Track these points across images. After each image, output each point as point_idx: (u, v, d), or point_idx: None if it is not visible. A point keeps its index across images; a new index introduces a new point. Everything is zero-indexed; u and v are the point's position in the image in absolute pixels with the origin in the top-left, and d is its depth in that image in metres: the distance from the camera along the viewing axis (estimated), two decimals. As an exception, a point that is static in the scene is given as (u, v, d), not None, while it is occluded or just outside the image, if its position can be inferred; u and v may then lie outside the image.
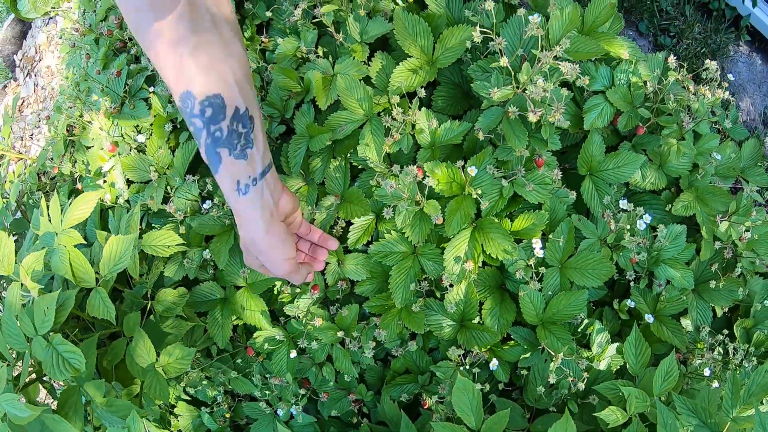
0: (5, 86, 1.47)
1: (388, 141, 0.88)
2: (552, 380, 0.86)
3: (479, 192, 0.84)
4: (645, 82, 0.94)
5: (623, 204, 0.87)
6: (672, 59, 0.92)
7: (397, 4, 0.97)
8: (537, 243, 0.89)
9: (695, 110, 0.91)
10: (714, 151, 1.03)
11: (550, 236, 0.91)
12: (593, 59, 0.95)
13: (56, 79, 1.35)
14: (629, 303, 0.99)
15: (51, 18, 1.39)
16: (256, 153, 0.60)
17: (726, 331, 1.01)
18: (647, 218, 0.86)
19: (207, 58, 0.54)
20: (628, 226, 0.86)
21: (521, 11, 0.88)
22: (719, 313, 1.11)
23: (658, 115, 0.95)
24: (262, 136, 0.61)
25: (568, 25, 0.91)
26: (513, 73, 0.79)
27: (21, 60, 1.45)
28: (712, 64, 0.91)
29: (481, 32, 0.77)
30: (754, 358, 1.04)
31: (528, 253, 0.91)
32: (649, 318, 1.00)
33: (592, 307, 1.06)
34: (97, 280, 0.93)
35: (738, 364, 1.01)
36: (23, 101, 1.39)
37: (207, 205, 0.97)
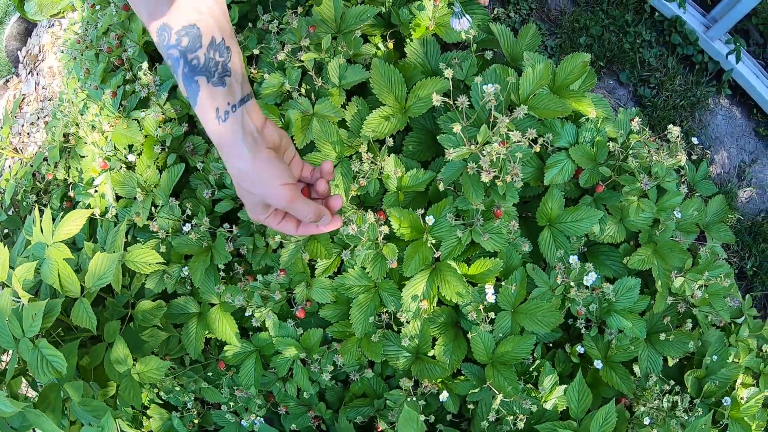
0: (7, 81, 1.59)
1: (355, 187, 0.98)
2: (492, 417, 0.97)
3: (433, 241, 0.94)
4: (610, 141, 1.03)
5: (572, 260, 0.97)
6: (636, 121, 1.00)
7: (378, 49, 1.07)
8: (489, 289, 0.99)
9: (654, 173, 0.99)
10: (676, 208, 1.11)
11: (503, 283, 1.01)
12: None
13: (57, 80, 1.46)
14: (579, 349, 1.09)
15: (56, 19, 1.51)
16: (235, 81, 0.61)
17: (672, 382, 1.11)
18: (592, 276, 0.95)
19: None
20: (573, 283, 0.96)
21: (491, 70, 0.98)
22: (673, 361, 1.21)
23: (620, 173, 1.04)
24: (241, 66, 0.62)
25: (538, 82, 1.00)
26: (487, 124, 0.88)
27: (24, 57, 1.57)
28: (674, 129, 0.99)
29: (453, 84, 0.87)
30: (699, 409, 1.13)
31: (481, 297, 1.01)
32: (598, 364, 1.10)
33: (546, 347, 1.16)
34: (82, 289, 1.06)
35: (683, 413, 1.11)
36: (24, 98, 1.52)
37: (187, 228, 1.08)
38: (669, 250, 1.10)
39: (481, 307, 0.99)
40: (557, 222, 1.04)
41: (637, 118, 0.99)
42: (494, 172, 0.86)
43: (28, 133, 1.48)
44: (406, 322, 1.02)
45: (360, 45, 1.02)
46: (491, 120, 0.87)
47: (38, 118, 1.32)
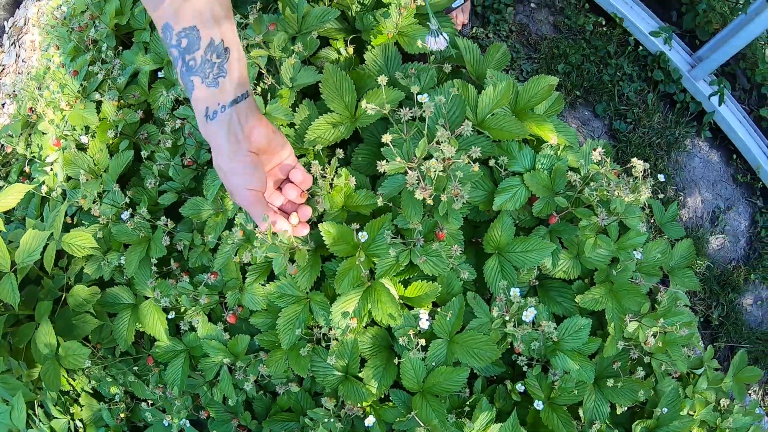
0: (-10, 51, 1.49)
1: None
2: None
3: (361, 259, 0.81)
4: (570, 170, 0.89)
5: (513, 292, 0.82)
6: (598, 152, 0.86)
7: (339, 54, 0.94)
8: (424, 314, 0.85)
9: (613, 209, 0.85)
10: (638, 249, 0.97)
11: (439, 309, 0.87)
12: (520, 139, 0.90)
13: (36, 54, 1.37)
14: (519, 387, 0.94)
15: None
16: (229, 82, 0.61)
17: (617, 433, 0.95)
18: (532, 312, 0.81)
19: None
20: (509, 317, 0.81)
21: (448, 85, 0.85)
22: (622, 409, 1.05)
23: (578, 205, 0.89)
24: (239, 67, 0.62)
25: (498, 101, 0.86)
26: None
27: (10, 28, 1.47)
28: (638, 164, 0.84)
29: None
30: (643, 463, 0.98)
31: (415, 322, 0.87)
32: (538, 405, 0.95)
33: (489, 381, 1.01)
34: (12, 264, 0.94)
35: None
36: (3, 69, 1.42)
37: (125, 216, 0.96)
38: (625, 292, 0.96)
39: (411, 332, 0.85)
40: (506, 251, 0.90)
41: (600, 149, 0.85)
42: (430, 189, 0.72)
43: (3, 104, 1.38)
44: (335, 339, 0.89)
45: (315, 46, 0.89)
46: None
47: (13, 90, 1.22)
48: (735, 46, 1.17)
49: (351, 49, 0.94)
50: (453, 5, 1.16)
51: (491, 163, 0.85)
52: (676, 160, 1.24)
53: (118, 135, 1.04)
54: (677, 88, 1.25)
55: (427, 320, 0.86)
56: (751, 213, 1.33)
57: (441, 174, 0.74)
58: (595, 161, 0.84)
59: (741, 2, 1.22)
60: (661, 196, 1.11)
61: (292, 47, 0.90)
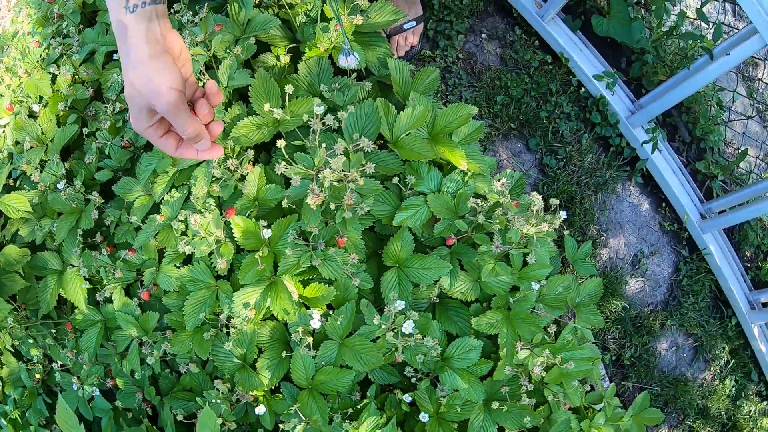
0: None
1: (216, 187, 0.90)
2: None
3: (260, 254, 0.86)
4: (477, 197, 0.94)
5: (398, 304, 0.87)
6: (501, 183, 0.90)
7: (278, 60, 1.00)
8: (317, 314, 0.90)
9: (507, 238, 0.89)
10: (538, 281, 1.01)
11: (332, 312, 0.91)
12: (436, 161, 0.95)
13: (9, 16, 1.41)
14: (405, 398, 0.99)
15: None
16: None
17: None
18: (410, 325, 0.85)
19: None
20: (391, 327, 0.86)
21: (369, 102, 0.90)
22: None
23: (479, 230, 0.94)
24: None
25: (414, 123, 0.91)
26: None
27: None
28: (536, 197, 0.89)
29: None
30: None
31: (308, 320, 0.92)
32: (423, 417, 0.99)
33: (385, 389, 1.06)
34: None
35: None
36: None
37: (61, 185, 1.01)
38: (521, 320, 1.00)
39: (300, 330, 0.90)
40: (405, 266, 0.94)
41: (504, 180, 0.89)
42: (321, 197, 0.77)
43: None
44: (233, 327, 0.94)
45: (252, 51, 0.94)
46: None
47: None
48: (675, 99, 1.21)
49: (288, 58, 0.99)
50: (405, 26, 1.22)
51: (395, 180, 0.90)
52: (603, 201, 1.28)
53: (68, 108, 1.09)
54: (614, 132, 1.29)
55: (318, 320, 0.90)
56: (675, 261, 1.37)
57: (336, 184, 0.79)
58: (496, 191, 0.88)
59: (687, 56, 1.27)
60: (566, 232, 1.14)
61: (233, 49, 0.95)
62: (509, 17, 1.30)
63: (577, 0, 1.30)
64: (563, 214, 0.93)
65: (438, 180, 0.92)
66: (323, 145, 0.78)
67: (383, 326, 0.84)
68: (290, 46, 1.00)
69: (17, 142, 1.11)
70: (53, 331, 1.07)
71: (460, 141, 0.97)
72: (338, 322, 0.90)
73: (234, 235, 0.89)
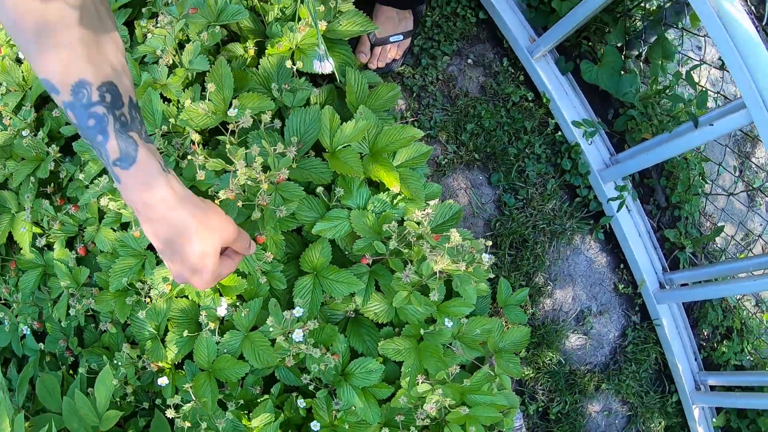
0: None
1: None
2: (186, 424, 0.91)
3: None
4: (403, 221, 0.94)
5: (297, 311, 0.89)
6: (423, 213, 0.91)
7: (245, 51, 1.03)
8: (224, 303, 0.93)
9: (417, 269, 0.90)
10: (453, 318, 1.01)
11: (240, 305, 0.94)
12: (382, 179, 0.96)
13: None
14: (300, 402, 1.01)
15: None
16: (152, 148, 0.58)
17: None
18: (299, 334, 0.87)
19: (94, 46, 0.52)
20: (286, 331, 0.88)
21: (315, 109, 0.92)
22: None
23: (398, 255, 0.95)
24: None
25: (354, 137, 0.93)
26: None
27: None
28: (454, 234, 0.89)
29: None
30: None
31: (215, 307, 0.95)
32: (315, 425, 1.01)
33: (285, 389, 1.08)
34: None
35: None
36: None
37: (25, 132, 1.08)
38: (429, 353, 1.00)
39: (203, 313, 0.93)
40: (321, 275, 0.96)
41: (428, 210, 0.90)
42: (234, 193, 0.80)
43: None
44: (147, 297, 0.98)
45: (217, 38, 0.97)
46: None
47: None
48: (652, 160, 1.17)
49: (253, 51, 1.02)
50: (391, 39, 1.22)
51: (318, 190, 0.92)
52: (558, 250, 1.26)
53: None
54: (582, 183, 1.26)
55: (225, 309, 0.94)
56: (623, 325, 1.34)
57: (250, 183, 0.81)
58: (416, 220, 0.89)
59: (674, 119, 1.23)
60: (496, 273, 1.12)
61: (199, 35, 0.99)
62: (499, 47, 1.29)
63: (575, 42, 1.28)
64: (486, 257, 0.93)
65: (366, 197, 0.93)
66: (247, 144, 0.81)
67: (276, 329, 0.86)
68: (258, 40, 1.02)
69: (0, 84, 1.18)
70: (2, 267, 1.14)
71: (402, 163, 0.98)
72: (243, 315, 0.93)
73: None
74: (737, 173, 1.40)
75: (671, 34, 1.28)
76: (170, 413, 0.90)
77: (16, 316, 1.15)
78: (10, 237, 1.14)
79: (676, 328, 1.32)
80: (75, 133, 1.11)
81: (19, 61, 1.18)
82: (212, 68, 0.95)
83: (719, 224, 1.31)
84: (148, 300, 0.99)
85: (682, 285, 1.31)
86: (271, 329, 0.88)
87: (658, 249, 1.31)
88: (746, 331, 1.33)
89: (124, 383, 1.02)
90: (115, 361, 0.99)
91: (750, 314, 1.35)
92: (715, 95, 1.24)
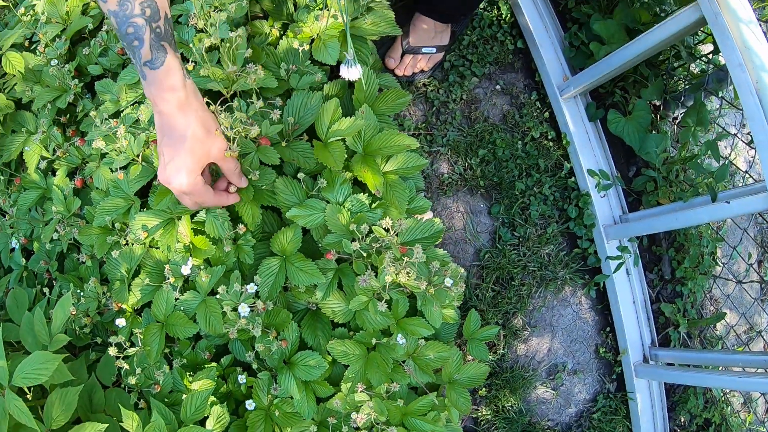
0: None
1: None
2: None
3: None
4: (371, 224, 0.94)
5: (250, 287, 0.91)
6: (387, 222, 0.90)
7: (272, 29, 1.06)
8: (190, 262, 0.96)
9: (377, 280, 0.90)
10: (407, 336, 1.00)
11: (205, 269, 0.97)
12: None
13: None
14: (241, 378, 1.02)
15: None
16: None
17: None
18: (245, 308, 0.89)
19: None
20: (237, 303, 0.90)
21: (318, 95, 0.94)
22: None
23: (367, 258, 0.95)
24: None
25: (349, 133, 0.93)
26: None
27: None
28: (417, 250, 0.87)
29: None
30: None
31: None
32: (249, 404, 1.02)
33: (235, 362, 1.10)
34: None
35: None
36: None
37: (54, 62, 1.15)
38: (376, 365, 1.00)
39: (167, 267, 0.96)
40: (290, 260, 0.98)
41: (389, 220, 0.89)
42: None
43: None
44: (125, 241, 1.03)
45: (243, 11, 1.00)
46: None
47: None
48: (660, 227, 1.12)
49: (276, 31, 1.05)
50: (423, 50, 1.23)
51: (300, 176, 0.93)
52: (544, 297, 1.22)
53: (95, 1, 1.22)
54: (585, 235, 1.22)
55: (189, 269, 0.97)
56: (596, 390, 1.28)
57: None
58: (383, 227, 0.89)
59: (691, 188, 1.17)
60: (474, 305, 1.10)
61: (229, 5, 1.03)
62: (531, 79, 1.27)
63: (610, 90, 1.25)
64: (449, 281, 0.92)
65: (346, 194, 0.94)
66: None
67: (227, 299, 0.88)
68: (285, 22, 1.05)
69: (44, 13, 1.26)
70: (2, 178, 1.22)
71: (392, 170, 0.98)
72: (203, 278, 0.96)
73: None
74: (754, 262, 1.32)
75: (712, 103, 1.22)
76: (112, 351, 0.94)
77: (11, 227, 1.23)
78: (22, 155, 1.22)
79: (651, 408, 1.25)
80: (100, 73, 1.18)
81: (69, -5, 1.25)
82: (229, 39, 0.98)
83: (722, 310, 1.24)
84: (125, 242, 1.03)
85: (668, 364, 1.24)
86: (222, 298, 0.90)
87: (650, 321, 1.26)
88: (725, 429, 1.25)
89: (86, 314, 1.07)
90: (79, 292, 1.04)
91: (733, 412, 1.27)
92: (744, 175, 1.17)
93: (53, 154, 1.15)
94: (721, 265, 1.27)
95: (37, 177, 1.20)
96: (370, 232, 0.89)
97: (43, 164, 1.13)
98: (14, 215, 1.18)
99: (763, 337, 1.26)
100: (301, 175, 0.92)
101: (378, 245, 0.92)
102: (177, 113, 0.68)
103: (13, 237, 1.22)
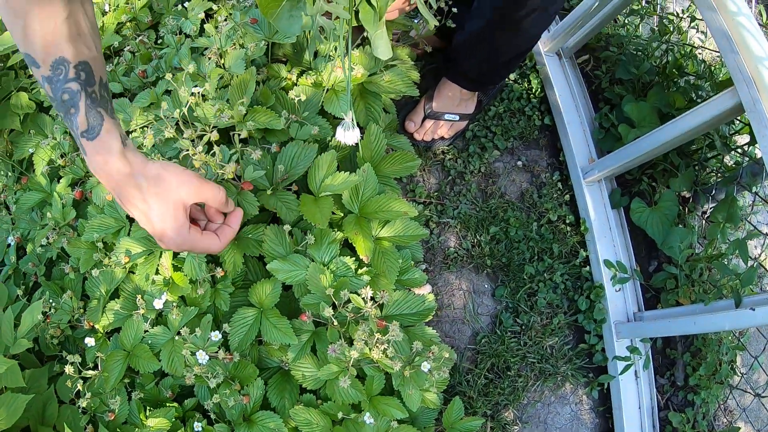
0: None
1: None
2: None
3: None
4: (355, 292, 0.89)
5: (213, 335, 0.88)
6: (366, 291, 0.85)
7: (288, 74, 1.05)
8: (164, 297, 0.94)
9: (348, 351, 0.84)
10: (382, 417, 0.94)
11: (178, 307, 0.95)
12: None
13: None
14: (196, 425, 0.98)
15: None
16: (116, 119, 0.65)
17: None
18: (203, 356, 0.85)
19: (75, 27, 0.58)
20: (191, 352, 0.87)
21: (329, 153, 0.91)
22: None
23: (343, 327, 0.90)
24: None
25: (342, 188, 0.89)
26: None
27: None
28: (393, 328, 0.81)
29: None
30: None
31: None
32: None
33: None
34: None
35: None
36: None
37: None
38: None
39: (139, 297, 0.94)
40: (266, 314, 0.94)
41: (383, 292, 0.85)
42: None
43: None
44: (107, 263, 1.02)
45: (261, 51, 1.00)
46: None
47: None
48: (675, 331, 1.02)
49: (293, 77, 1.04)
50: (446, 116, 1.18)
51: (285, 228, 0.90)
52: (541, 392, 1.12)
53: (129, 22, 1.26)
54: (594, 330, 1.13)
55: (161, 304, 0.94)
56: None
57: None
58: (362, 296, 0.84)
59: (715, 289, 1.07)
60: (463, 391, 1.01)
61: (250, 45, 1.02)
62: (555, 158, 1.22)
63: (637, 178, 1.18)
64: (427, 367, 0.86)
65: (332, 255, 0.91)
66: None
67: (189, 342, 0.85)
68: (303, 69, 1.04)
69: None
70: (11, 174, 1.25)
71: (387, 237, 0.94)
72: (173, 317, 0.94)
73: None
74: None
75: (745, 198, 1.14)
76: (68, 369, 0.92)
77: (12, 222, 1.25)
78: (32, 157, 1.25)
79: None
80: (120, 92, 1.20)
81: (103, 13, 1.30)
82: (242, 74, 0.97)
83: (735, 424, 1.12)
84: (108, 261, 1.02)
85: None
86: (183, 339, 0.87)
87: (656, 430, 1.15)
88: None
89: (57, 326, 1.06)
90: (51, 302, 1.04)
91: None
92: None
93: (56, 162, 1.16)
94: (740, 375, 1.16)
95: (44, 181, 1.21)
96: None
97: (47, 169, 1.14)
98: (14, 213, 1.20)
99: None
100: (286, 228, 0.89)
101: (358, 315, 0.87)
102: (125, 184, 0.65)
103: (10, 234, 1.23)
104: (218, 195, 0.72)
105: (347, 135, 0.77)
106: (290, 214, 0.88)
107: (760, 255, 1.28)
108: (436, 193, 1.19)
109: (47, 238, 1.10)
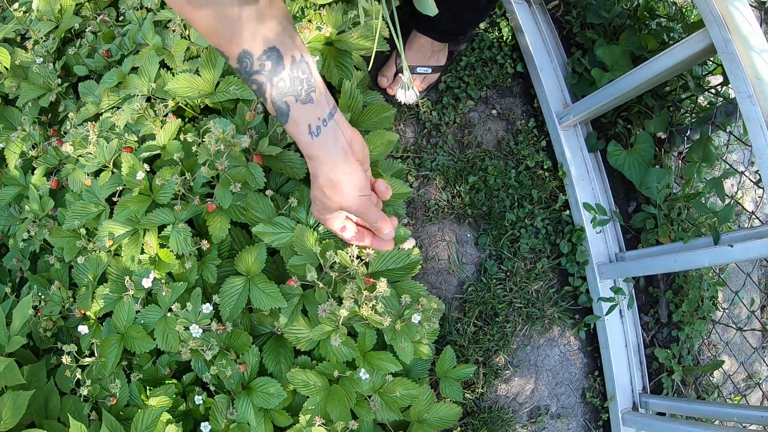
0: None
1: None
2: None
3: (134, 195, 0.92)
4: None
5: (204, 307, 0.89)
6: (352, 249, 0.87)
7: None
8: (152, 275, 0.95)
9: (337, 309, 0.87)
10: (377, 372, 0.97)
11: (167, 283, 0.96)
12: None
13: None
14: (197, 398, 1.00)
15: None
16: (320, 96, 0.62)
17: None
18: (197, 329, 0.87)
19: (255, 13, 0.56)
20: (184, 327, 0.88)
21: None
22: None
23: (332, 287, 0.92)
24: (321, 80, 0.64)
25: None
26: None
27: None
28: (381, 284, 0.84)
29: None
30: None
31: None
32: (205, 427, 0.99)
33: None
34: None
35: None
36: None
37: (39, 60, 1.16)
38: (338, 399, 0.96)
39: (127, 278, 0.95)
40: (254, 281, 0.95)
41: (355, 250, 0.86)
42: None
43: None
44: (92, 248, 1.02)
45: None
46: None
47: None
48: (657, 269, 1.07)
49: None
50: (418, 69, 1.19)
51: (268, 193, 0.91)
52: (530, 336, 1.17)
53: (88, 2, 1.23)
54: (577, 273, 1.17)
55: (150, 282, 0.95)
56: (579, 437, 1.23)
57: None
58: (349, 254, 0.86)
59: (693, 227, 1.11)
60: (454, 340, 1.03)
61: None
62: (529, 105, 1.23)
63: (612, 121, 1.20)
64: (417, 318, 0.89)
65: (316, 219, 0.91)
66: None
67: (182, 317, 0.86)
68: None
69: (38, 10, 1.28)
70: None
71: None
72: (164, 294, 0.95)
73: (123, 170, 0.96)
74: (757, 308, 1.25)
75: (719, 138, 1.16)
76: (65, 359, 0.93)
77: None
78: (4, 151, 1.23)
79: (636, 460, 1.19)
80: (86, 74, 1.18)
81: (64, -6, 1.26)
82: (209, 47, 0.97)
83: (720, 358, 1.17)
84: (92, 247, 1.02)
85: (659, 413, 1.18)
86: (176, 315, 0.88)
87: (643, 367, 1.20)
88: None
89: (49, 318, 1.06)
90: (40, 294, 1.04)
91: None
92: (751, 216, 1.11)
93: (28, 153, 1.15)
94: (722, 310, 1.21)
95: (18, 174, 1.20)
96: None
97: (20, 162, 1.13)
98: (-9, 211, 1.19)
99: (761, 387, 1.19)
100: (269, 193, 0.90)
101: (345, 274, 0.89)
102: (313, 166, 0.67)
103: (-6, 236, 1.23)
104: (381, 188, 0.78)
105: (408, 94, 0.79)
106: (298, 172, 0.89)
107: (736, 193, 1.32)
108: (413, 147, 1.20)
109: (28, 232, 1.10)
